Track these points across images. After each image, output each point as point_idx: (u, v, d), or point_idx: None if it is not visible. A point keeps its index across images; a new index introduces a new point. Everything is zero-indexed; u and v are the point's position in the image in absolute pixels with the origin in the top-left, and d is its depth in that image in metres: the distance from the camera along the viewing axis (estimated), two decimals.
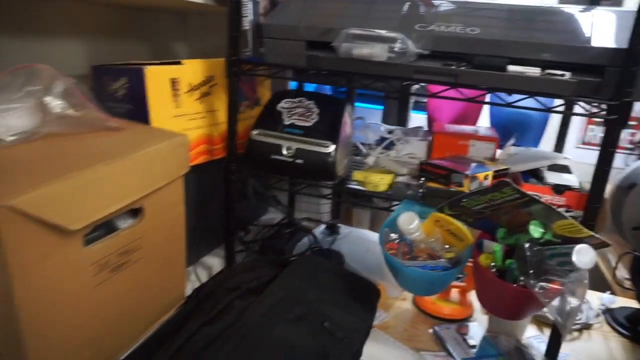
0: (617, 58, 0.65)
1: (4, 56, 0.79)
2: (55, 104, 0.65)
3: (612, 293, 1.06)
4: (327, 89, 1.49)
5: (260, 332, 0.67)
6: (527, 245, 0.62)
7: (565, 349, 0.87)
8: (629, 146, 2.14)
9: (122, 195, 0.62)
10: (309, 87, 1.42)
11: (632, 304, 1.00)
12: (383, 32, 0.72)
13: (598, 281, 2.10)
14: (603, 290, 1.07)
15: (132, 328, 0.73)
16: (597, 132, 2.15)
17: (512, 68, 0.68)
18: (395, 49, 0.71)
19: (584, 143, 2.17)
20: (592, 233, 0.61)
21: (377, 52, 0.71)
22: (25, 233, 0.50)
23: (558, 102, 0.70)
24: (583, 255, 0.58)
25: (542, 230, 0.63)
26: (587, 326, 0.94)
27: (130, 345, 0.71)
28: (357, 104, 1.20)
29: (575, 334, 0.92)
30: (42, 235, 0.52)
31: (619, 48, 0.65)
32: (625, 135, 2.16)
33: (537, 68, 0.68)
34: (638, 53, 0.62)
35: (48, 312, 0.56)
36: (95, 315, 0.64)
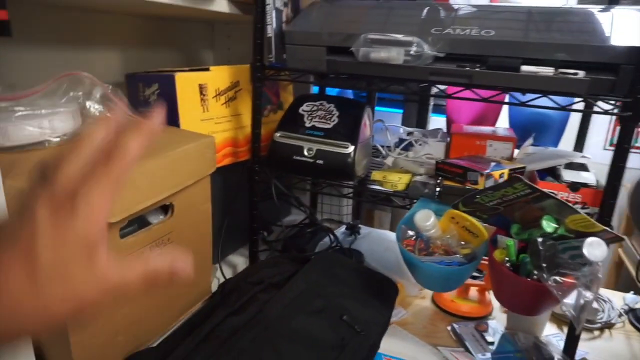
0: (631, 56, 0.66)
1: (51, 65, 0.85)
2: (94, 108, 0.70)
3: (636, 293, 1.05)
4: (349, 94, 1.52)
5: (281, 323, 0.71)
6: (540, 239, 0.64)
7: (585, 347, 0.87)
8: None
9: (155, 192, 0.66)
10: (332, 92, 1.46)
11: None
12: (399, 36, 0.75)
13: (624, 281, 2.06)
14: (628, 291, 1.06)
15: (163, 317, 0.77)
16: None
17: (525, 68, 0.70)
18: (412, 52, 0.74)
19: (612, 145, 2.14)
20: (604, 227, 0.62)
21: (394, 55, 0.74)
22: None
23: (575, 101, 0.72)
24: (594, 248, 0.59)
25: (554, 225, 0.65)
26: (608, 325, 0.94)
27: (161, 333, 0.76)
28: (377, 107, 1.23)
29: (596, 332, 0.92)
30: None
31: (633, 46, 0.66)
32: None
33: (550, 68, 0.69)
34: None
35: None
36: (130, 304, 0.68)
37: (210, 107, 0.89)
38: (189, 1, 0.82)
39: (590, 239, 0.59)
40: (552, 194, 0.62)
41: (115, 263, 0.28)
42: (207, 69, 0.88)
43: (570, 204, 0.63)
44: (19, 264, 0.25)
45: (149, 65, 1.03)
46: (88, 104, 0.70)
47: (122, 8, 0.91)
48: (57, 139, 0.65)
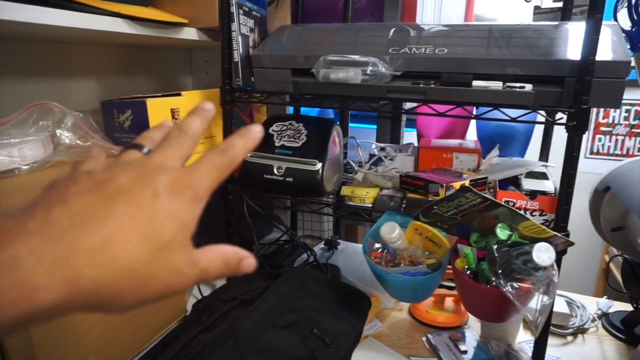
0: (574, 69, 0.69)
1: (23, 94, 0.89)
2: (65, 136, 0.73)
3: (611, 298, 1.07)
4: (330, 112, 1.56)
5: (251, 337, 0.72)
6: (495, 246, 0.66)
7: (558, 352, 0.89)
8: (621, 153, 2.14)
9: None
10: (313, 112, 1.50)
11: (629, 307, 1.00)
12: (356, 57, 0.78)
13: (610, 290, 2.07)
14: (616, 297, 1.07)
15: (137, 338, 0.79)
16: (605, 142, 2.15)
17: (476, 83, 0.74)
18: (368, 72, 0.77)
19: (592, 153, 2.18)
20: (555, 233, 0.64)
21: (352, 75, 0.77)
22: None
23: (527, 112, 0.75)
24: (543, 252, 0.61)
25: (508, 232, 0.67)
26: (581, 330, 0.95)
27: (134, 354, 0.77)
28: (351, 124, 1.26)
29: (569, 338, 0.94)
30: None
31: (575, 60, 0.69)
32: (635, 143, 2.15)
33: (499, 82, 0.73)
34: (590, 63, 0.67)
35: (55, 322, 0.62)
36: (100, 326, 0.70)
37: None
38: (159, 31, 0.86)
39: (539, 244, 0.62)
40: (501, 203, 0.64)
41: (199, 249, 0.30)
42: (179, 94, 0.91)
43: (520, 212, 0.66)
44: (141, 224, 0.26)
45: (128, 93, 1.06)
46: (58, 132, 0.72)
47: (96, 39, 0.95)
48: (27, 167, 0.67)
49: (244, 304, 0.81)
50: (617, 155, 2.14)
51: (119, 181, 0.27)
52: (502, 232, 0.67)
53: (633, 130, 2.16)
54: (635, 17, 0.89)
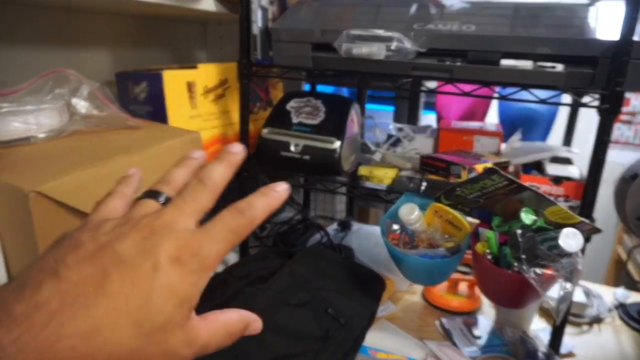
0: (609, 49, 0.66)
1: (37, 64, 0.87)
2: (81, 105, 0.72)
3: (630, 288, 1.05)
4: (344, 92, 1.53)
5: (265, 315, 0.71)
6: (519, 231, 0.64)
7: (574, 341, 0.87)
8: None
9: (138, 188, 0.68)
10: (328, 89, 1.47)
11: None
12: (381, 32, 0.76)
13: (625, 278, 2.05)
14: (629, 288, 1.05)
15: None
16: (624, 131, 2.10)
17: (504, 62, 0.71)
18: (393, 48, 0.75)
19: (611, 142, 2.13)
20: (582, 219, 0.62)
21: (375, 50, 0.75)
22: (53, 216, 0.56)
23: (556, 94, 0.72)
24: (570, 239, 0.59)
25: (533, 217, 0.65)
26: (597, 320, 0.94)
27: None
28: (369, 105, 1.24)
29: (585, 327, 0.92)
30: (68, 219, 0.58)
31: (610, 40, 0.66)
32: None
33: (529, 61, 0.70)
34: (629, 43, 0.64)
35: None
36: None
37: (198, 104, 0.90)
38: (178, 1, 0.84)
39: (566, 230, 0.60)
40: (528, 186, 0.62)
41: (201, 319, 0.28)
42: (195, 67, 0.89)
43: (547, 196, 0.63)
44: (133, 305, 0.24)
45: (141, 65, 1.04)
46: (74, 101, 0.71)
47: (110, 8, 0.92)
48: (44, 135, 0.66)
49: (258, 280, 0.80)
50: (636, 145, 2.09)
51: (120, 247, 0.25)
52: (526, 217, 0.65)
53: None
54: None
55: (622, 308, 0.97)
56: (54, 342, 0.22)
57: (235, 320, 0.30)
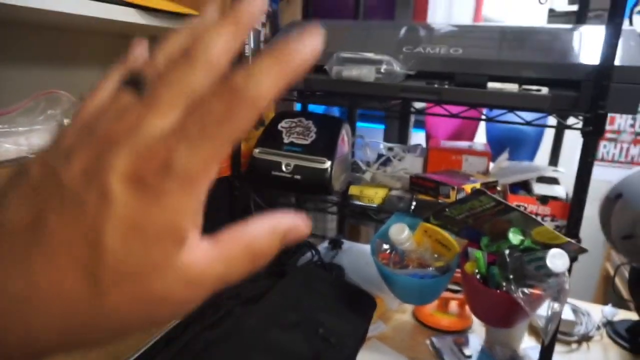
0: (591, 73, 0.68)
1: (29, 84, 0.87)
2: None
3: (616, 306, 1.06)
4: (335, 111, 1.55)
5: (256, 335, 0.71)
6: (507, 251, 0.65)
7: (563, 359, 0.88)
8: (626, 160, 2.13)
9: None
10: (318, 109, 1.49)
11: (634, 316, 0.99)
12: (370, 55, 0.77)
13: (612, 295, 2.06)
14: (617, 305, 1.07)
15: (136, 334, 0.78)
16: (610, 149, 2.14)
17: (491, 85, 0.73)
18: (382, 70, 0.76)
19: (597, 160, 2.17)
20: (568, 239, 0.63)
21: (365, 73, 0.76)
22: None
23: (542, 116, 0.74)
24: (557, 259, 0.60)
25: (521, 237, 0.66)
26: (586, 338, 0.95)
27: (136, 349, 0.76)
28: (359, 123, 1.25)
29: (574, 345, 0.93)
30: None
31: (592, 64, 0.68)
32: (639, 151, 2.14)
33: (515, 84, 0.72)
34: (609, 68, 0.66)
35: None
36: None
37: None
38: (170, 22, 0.85)
39: (553, 250, 0.61)
40: (515, 207, 0.63)
41: (211, 245, 0.21)
42: None
43: (534, 217, 0.65)
44: (78, 254, 0.17)
45: None
46: (66, 121, 0.71)
47: (103, 28, 0.93)
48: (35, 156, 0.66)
49: (248, 301, 0.80)
50: (621, 162, 2.13)
51: (66, 174, 0.18)
52: (514, 237, 0.66)
53: (638, 137, 2.15)
54: None
55: (610, 326, 0.98)
56: None
57: (263, 234, 0.22)
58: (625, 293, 1.52)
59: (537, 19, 1.20)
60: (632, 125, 2.11)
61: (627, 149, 2.12)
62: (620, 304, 1.09)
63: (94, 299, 0.18)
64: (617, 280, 1.91)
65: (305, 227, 0.23)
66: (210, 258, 0.20)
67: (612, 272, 2.03)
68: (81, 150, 0.18)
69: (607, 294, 2.11)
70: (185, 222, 0.19)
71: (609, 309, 1.03)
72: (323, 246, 1.18)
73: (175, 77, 0.19)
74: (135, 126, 0.18)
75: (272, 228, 0.22)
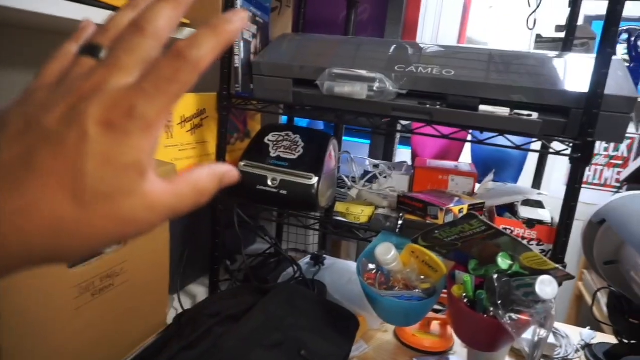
0: (580, 101, 0.69)
1: (20, 87, 0.83)
2: None
3: (594, 329, 1.07)
4: (320, 124, 1.54)
5: (236, 356, 0.68)
6: (495, 276, 0.65)
7: None
8: (617, 184, 2.19)
9: None
10: (302, 122, 1.47)
11: (612, 339, 1.01)
12: (363, 72, 0.77)
13: (584, 314, 2.10)
14: (589, 324, 1.08)
15: (112, 353, 0.74)
16: (586, 172, 2.20)
17: (483, 108, 0.73)
18: (375, 88, 0.76)
19: None
20: (556, 265, 0.63)
21: (357, 90, 0.76)
22: None
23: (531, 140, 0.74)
24: (546, 286, 0.60)
25: (509, 262, 0.66)
26: None
27: None
28: (345, 138, 1.25)
29: None
30: None
31: (581, 92, 0.69)
32: (612, 174, 2.21)
33: (506, 108, 0.72)
34: (598, 96, 0.67)
35: (28, 334, 0.57)
36: (75, 339, 0.65)
37: (174, 133, 0.88)
38: None
39: (542, 277, 0.61)
40: (506, 232, 0.63)
41: (165, 182, 0.26)
42: None
43: (524, 242, 0.64)
44: (64, 178, 0.23)
45: None
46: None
47: None
48: None
49: (229, 319, 0.77)
50: (595, 184, 2.19)
51: (47, 120, 0.23)
52: (503, 262, 0.65)
53: (611, 161, 2.22)
54: (634, 54, 0.90)
55: (588, 349, 0.99)
56: None
57: (204, 176, 0.28)
58: (598, 315, 1.55)
59: (522, 44, 1.23)
60: (607, 149, 2.17)
61: (601, 172, 2.18)
62: (593, 324, 1.11)
63: (77, 213, 0.23)
64: (590, 301, 1.95)
65: (236, 174, 0.29)
66: (165, 191, 0.25)
67: (584, 291, 2.08)
68: (57, 102, 0.24)
69: (580, 313, 2.15)
70: (145, 158, 0.24)
71: (587, 332, 1.04)
72: (305, 262, 1.16)
73: (130, 44, 0.24)
74: (103, 83, 0.23)
75: (212, 171, 0.28)
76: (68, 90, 0.24)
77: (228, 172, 0.29)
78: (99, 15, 0.66)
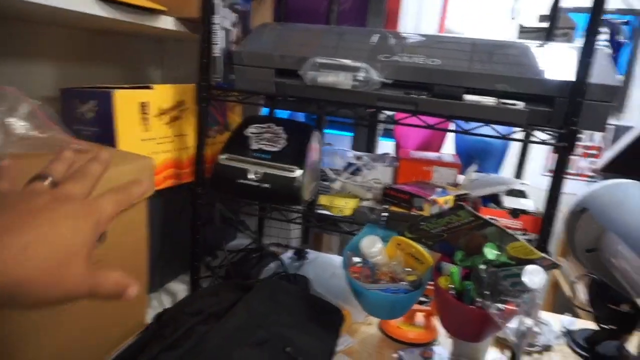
0: (565, 90, 0.69)
1: None
2: (19, 125, 0.65)
3: (573, 315, 1.09)
4: (300, 116, 1.51)
5: (220, 356, 0.66)
6: (482, 267, 0.64)
7: None
8: (591, 174, 2.24)
9: None
10: (283, 114, 1.45)
11: (592, 325, 1.02)
12: (348, 62, 0.75)
13: (561, 302, 2.15)
14: (565, 312, 1.09)
15: (89, 353, 0.71)
16: None
17: (468, 97, 0.72)
18: (359, 78, 0.74)
19: (549, 171, 2.26)
20: (543, 254, 0.63)
21: (342, 80, 0.74)
22: None
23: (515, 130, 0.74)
24: (534, 276, 0.60)
25: (496, 252, 0.65)
26: (547, 348, 0.96)
27: None
28: (327, 130, 1.23)
29: (536, 355, 0.94)
30: None
31: (566, 80, 0.69)
32: (587, 164, 2.26)
33: (492, 98, 0.71)
34: (583, 85, 0.67)
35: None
36: (50, 341, 0.62)
37: (152, 126, 0.85)
38: (134, 17, 0.79)
39: (529, 267, 0.60)
40: (493, 222, 0.63)
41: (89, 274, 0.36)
42: (150, 87, 0.84)
43: (510, 232, 0.64)
44: (51, 240, 0.33)
45: (90, 81, 0.97)
46: (12, 120, 0.64)
47: (63, 20, 0.86)
48: None
49: (211, 317, 0.75)
50: (570, 173, 2.23)
51: (36, 203, 0.35)
52: (490, 252, 0.65)
53: (586, 151, 2.26)
54: (615, 45, 0.91)
55: (569, 335, 1.00)
56: (1, 250, 0.30)
57: (110, 283, 0.38)
58: (575, 300, 1.58)
59: (502, 33, 1.23)
60: (580, 139, 2.22)
61: (577, 161, 2.23)
62: (571, 311, 1.12)
63: (58, 262, 0.34)
64: (567, 289, 1.99)
65: (134, 291, 0.39)
66: (96, 271, 0.38)
67: (560, 280, 2.12)
68: (41, 196, 0.37)
69: (556, 299, 2.20)
70: (92, 241, 0.39)
71: (567, 319, 1.06)
72: (287, 256, 1.15)
73: (72, 180, 0.40)
74: (71, 192, 0.39)
75: (116, 281, 0.39)
76: (41, 193, 0.37)
77: (134, 286, 0.38)
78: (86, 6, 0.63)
